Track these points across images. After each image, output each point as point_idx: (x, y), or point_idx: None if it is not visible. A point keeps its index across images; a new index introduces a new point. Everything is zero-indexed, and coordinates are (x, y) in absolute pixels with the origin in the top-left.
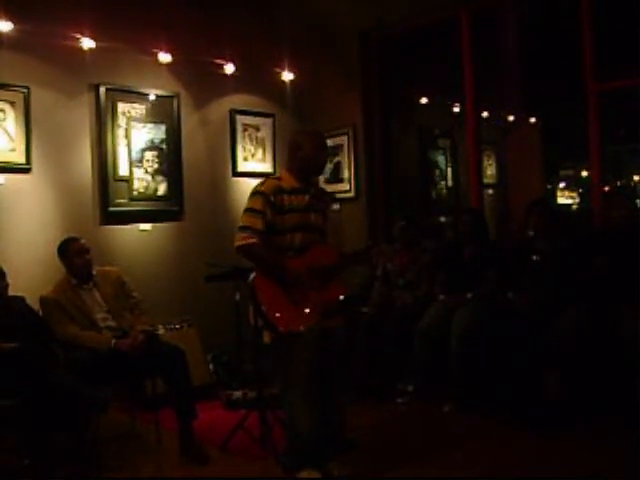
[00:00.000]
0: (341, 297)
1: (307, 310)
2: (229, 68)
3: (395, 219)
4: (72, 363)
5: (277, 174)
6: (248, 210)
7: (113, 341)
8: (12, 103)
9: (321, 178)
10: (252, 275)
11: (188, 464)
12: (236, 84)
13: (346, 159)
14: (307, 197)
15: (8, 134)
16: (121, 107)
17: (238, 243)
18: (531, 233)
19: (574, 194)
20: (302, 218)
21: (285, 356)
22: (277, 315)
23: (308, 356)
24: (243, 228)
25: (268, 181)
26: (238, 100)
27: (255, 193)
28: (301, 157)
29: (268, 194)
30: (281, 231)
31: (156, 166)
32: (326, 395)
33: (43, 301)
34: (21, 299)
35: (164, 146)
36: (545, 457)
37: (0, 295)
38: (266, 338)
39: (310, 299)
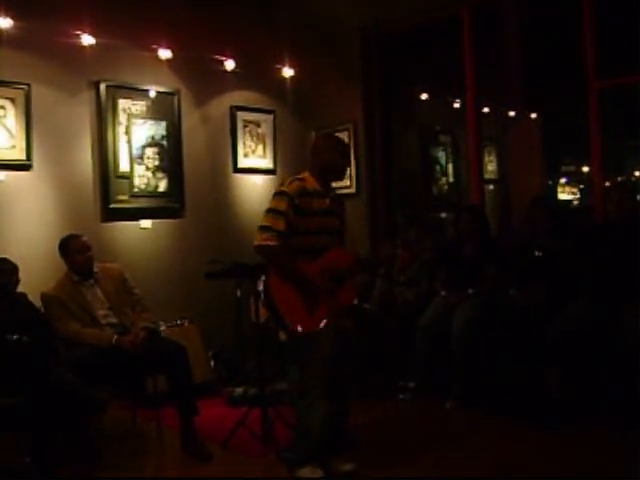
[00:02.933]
0: (354, 301)
1: (321, 312)
2: (229, 64)
3: (396, 217)
4: (73, 360)
5: (301, 175)
6: (271, 210)
7: (114, 338)
8: (12, 100)
9: None
10: (265, 276)
11: (190, 462)
12: (236, 80)
13: None
14: (328, 200)
15: (9, 131)
16: (122, 104)
17: (258, 243)
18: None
19: (575, 190)
20: (323, 221)
21: (304, 354)
22: (292, 316)
23: (327, 354)
24: (264, 228)
25: (293, 182)
26: (238, 96)
27: (280, 193)
28: (323, 163)
29: (293, 196)
30: (302, 233)
31: (157, 163)
32: (336, 394)
33: (44, 298)
34: (23, 295)
35: (165, 143)
36: (546, 454)
37: (7, 289)
38: (282, 336)
39: (324, 301)
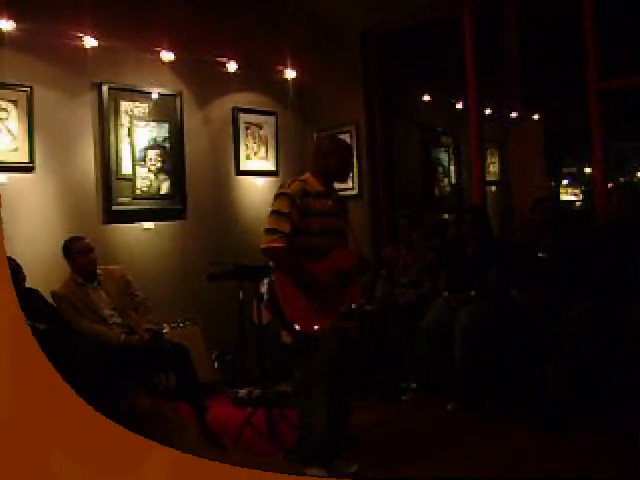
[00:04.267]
0: (359, 302)
1: (326, 313)
2: (232, 66)
3: (398, 218)
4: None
5: (302, 176)
6: (275, 212)
7: (122, 336)
8: (15, 102)
9: None
10: (271, 277)
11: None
12: (239, 82)
13: None
14: (330, 202)
15: (11, 133)
16: (124, 106)
17: (264, 246)
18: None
19: (577, 191)
20: (325, 222)
21: (308, 356)
22: (297, 317)
23: (330, 356)
24: (270, 231)
25: (294, 183)
26: (241, 98)
27: (281, 195)
28: (326, 166)
29: (294, 196)
30: (305, 234)
31: (159, 165)
32: (339, 395)
33: (54, 296)
34: (36, 291)
35: (167, 145)
36: (546, 454)
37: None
38: (285, 337)
39: (329, 302)
